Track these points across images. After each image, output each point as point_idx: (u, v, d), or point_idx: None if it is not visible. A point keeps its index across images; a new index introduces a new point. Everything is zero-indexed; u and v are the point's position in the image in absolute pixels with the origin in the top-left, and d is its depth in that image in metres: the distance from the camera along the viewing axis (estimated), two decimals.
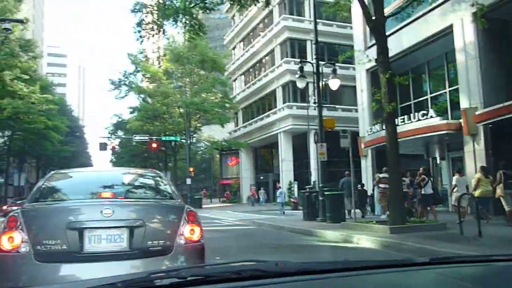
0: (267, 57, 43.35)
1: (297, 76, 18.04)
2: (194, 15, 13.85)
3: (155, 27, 13.67)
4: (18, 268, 3.69)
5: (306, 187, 20.55)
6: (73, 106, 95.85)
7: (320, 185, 16.24)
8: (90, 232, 3.80)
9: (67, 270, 3.73)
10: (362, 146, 23.65)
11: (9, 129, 41.35)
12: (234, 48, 52.27)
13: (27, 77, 37.08)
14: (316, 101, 16.68)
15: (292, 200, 30.55)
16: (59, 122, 43.66)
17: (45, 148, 46.34)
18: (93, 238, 3.80)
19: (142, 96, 48.84)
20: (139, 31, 13.70)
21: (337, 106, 35.84)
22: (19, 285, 3.66)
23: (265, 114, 42.17)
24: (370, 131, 22.58)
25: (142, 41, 14.29)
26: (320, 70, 16.68)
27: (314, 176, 29.77)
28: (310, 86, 29.48)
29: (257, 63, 45.64)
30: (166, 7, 13.23)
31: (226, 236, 13.23)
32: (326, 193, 15.24)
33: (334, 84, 17.45)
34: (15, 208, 24.28)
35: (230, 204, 44.83)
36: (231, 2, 14.36)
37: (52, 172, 5.27)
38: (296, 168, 38.82)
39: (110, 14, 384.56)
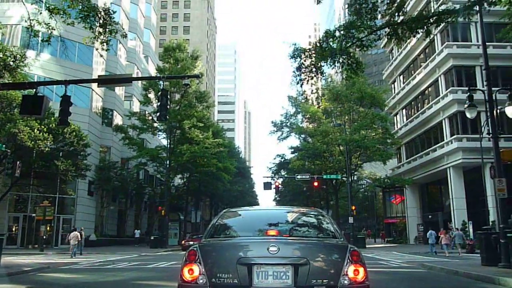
0: (430, 88, 41.04)
1: (466, 106, 16.59)
2: (351, 54, 13.97)
3: (314, 69, 14.13)
4: None
5: (484, 227, 18.40)
6: (240, 148, 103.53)
7: (501, 226, 14.36)
8: (258, 268, 4.00)
9: None
10: None
11: (187, 172, 46.38)
12: (393, 82, 50.89)
13: (202, 124, 41.58)
14: (491, 131, 15.07)
15: (467, 242, 27.62)
16: (228, 163, 47.43)
17: (217, 188, 50.60)
18: (261, 274, 3.99)
19: (303, 136, 50.38)
20: (299, 75, 14.32)
21: None
22: None
23: (431, 149, 39.54)
24: None
25: (302, 84, 14.88)
26: (494, 97, 15.12)
27: (492, 215, 26.59)
28: (482, 116, 27.01)
29: (419, 95, 43.50)
30: (323, 49, 13.63)
31: (392, 279, 12.51)
32: (508, 234, 13.40)
33: (511, 111, 15.57)
34: (191, 243, 26.76)
35: (395, 245, 42.46)
36: (389, 37, 14.10)
37: (224, 210, 5.72)
38: (470, 206, 35.08)
39: (271, 59, 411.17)
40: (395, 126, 49.47)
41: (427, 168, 40.56)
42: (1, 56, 15.13)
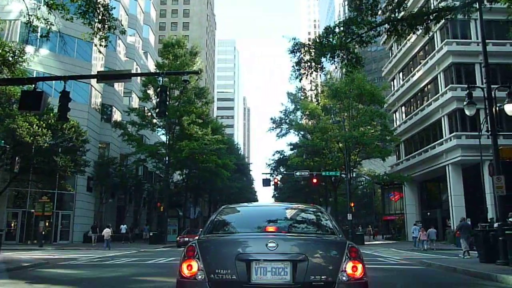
0: (429, 86, 41.03)
1: (465, 103, 16.59)
2: (351, 50, 13.96)
3: (313, 64, 14.11)
4: None
5: (482, 224, 18.43)
6: (240, 144, 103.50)
7: (499, 223, 14.39)
8: (256, 264, 4.00)
9: None
10: None
11: (186, 168, 46.34)
12: (393, 79, 50.86)
13: (201, 121, 41.52)
14: (490, 129, 15.08)
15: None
16: (227, 160, 47.35)
17: (216, 184, 50.57)
18: (259, 270, 3.99)
19: (302, 132, 50.36)
20: (298, 70, 14.31)
21: None
22: None
23: (430, 146, 39.55)
24: None
25: (301, 79, 14.89)
26: (493, 95, 15.13)
27: (491, 213, 26.69)
28: (481, 113, 27.02)
29: (418, 93, 43.49)
30: (323, 45, 13.61)
31: (390, 276, 12.54)
32: (507, 232, 13.41)
33: (510, 109, 15.58)
34: (186, 239, 27.14)
35: (394, 242, 42.55)
36: (388, 33, 14.09)
37: (223, 206, 5.72)
38: (468, 203, 35.12)
39: (271, 55, 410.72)
40: (394, 123, 49.47)
41: (426, 165, 40.58)
42: (0, 51, 15.08)
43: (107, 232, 29.35)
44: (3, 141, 26.02)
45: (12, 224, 34.44)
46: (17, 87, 25.02)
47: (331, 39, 13.59)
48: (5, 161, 29.76)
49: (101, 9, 12.91)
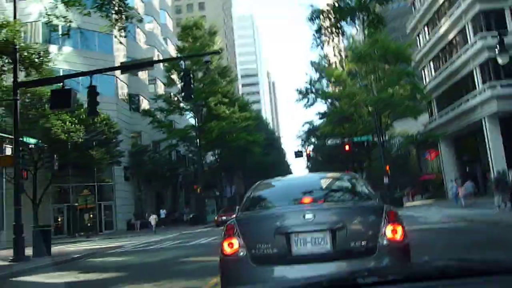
0: (457, 37, 39.48)
1: (497, 51, 15.91)
2: (371, 10, 13.56)
3: (334, 29, 13.81)
4: (238, 270, 4.14)
5: None
6: (268, 119, 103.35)
7: None
8: (296, 236, 4.03)
9: (279, 271, 4.02)
10: None
11: (218, 148, 46.76)
12: (418, 35, 49.20)
13: (227, 100, 41.61)
14: None
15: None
16: (257, 136, 47.43)
17: (248, 161, 50.89)
18: (299, 242, 4.02)
19: (329, 100, 49.76)
20: (319, 37, 14.05)
21: None
22: (240, 285, 4.09)
23: (463, 100, 38.36)
24: None
25: (323, 47, 14.64)
26: None
27: None
28: None
29: (446, 46, 41.97)
30: (341, 9, 13.27)
31: (432, 235, 12.43)
32: None
33: None
34: (224, 218, 27.83)
35: (433, 201, 41.97)
36: None
37: (257, 182, 5.74)
38: (508, 154, 34.03)
39: (290, 26, 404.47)
40: (424, 80, 48.12)
41: (461, 120, 39.44)
42: (26, 54, 15.42)
43: (154, 218, 30.86)
44: (40, 141, 26.85)
45: (59, 219, 35.86)
46: (46, 87, 25.60)
47: (349, 2, 13.23)
48: (45, 160, 30.79)
49: (116, 0, 12.94)
